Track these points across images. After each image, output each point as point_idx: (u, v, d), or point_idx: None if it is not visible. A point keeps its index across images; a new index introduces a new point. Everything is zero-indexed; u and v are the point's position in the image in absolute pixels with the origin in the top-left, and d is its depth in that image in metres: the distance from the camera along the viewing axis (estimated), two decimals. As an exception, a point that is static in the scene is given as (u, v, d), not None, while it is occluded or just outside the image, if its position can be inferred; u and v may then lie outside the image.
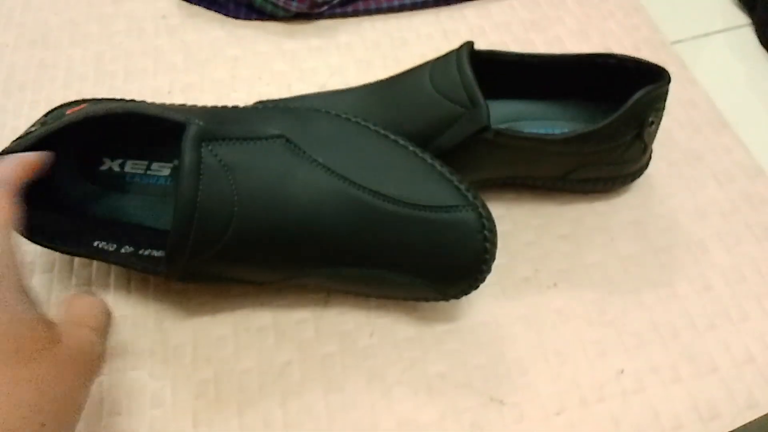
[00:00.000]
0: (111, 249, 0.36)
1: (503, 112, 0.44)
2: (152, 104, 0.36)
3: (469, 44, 0.39)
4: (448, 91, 0.37)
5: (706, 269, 0.42)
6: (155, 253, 0.36)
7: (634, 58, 0.39)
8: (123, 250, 0.36)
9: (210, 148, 0.32)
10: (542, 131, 0.43)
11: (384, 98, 0.40)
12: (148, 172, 0.40)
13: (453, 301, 0.40)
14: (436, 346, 0.39)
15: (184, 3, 0.57)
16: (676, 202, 0.45)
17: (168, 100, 0.44)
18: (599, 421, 0.36)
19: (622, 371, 0.38)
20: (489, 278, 0.41)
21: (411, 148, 0.35)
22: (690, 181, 0.46)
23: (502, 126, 0.40)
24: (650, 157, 0.43)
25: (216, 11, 0.56)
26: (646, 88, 0.37)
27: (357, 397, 0.36)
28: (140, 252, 0.36)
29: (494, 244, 0.34)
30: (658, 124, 0.40)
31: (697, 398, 0.37)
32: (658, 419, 0.36)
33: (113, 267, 0.41)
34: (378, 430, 0.36)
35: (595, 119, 0.41)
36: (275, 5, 0.54)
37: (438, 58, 0.40)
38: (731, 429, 0.36)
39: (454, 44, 0.41)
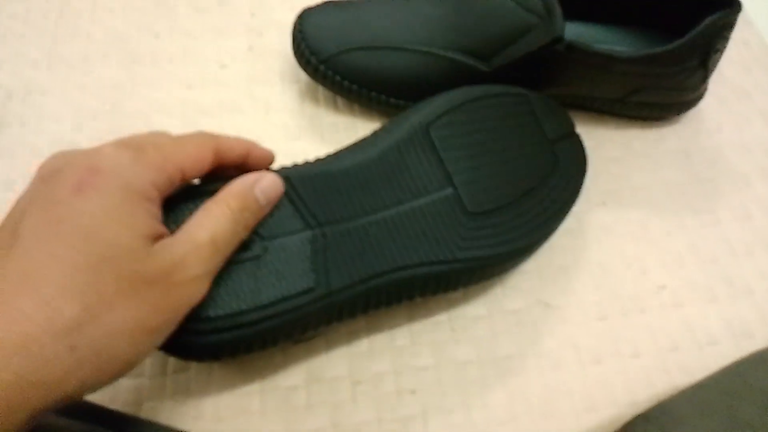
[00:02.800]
0: None
1: (566, 33, 0.44)
2: None
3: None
4: (524, 0, 0.38)
5: (747, 200, 0.43)
6: None
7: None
8: None
9: None
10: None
11: (458, 5, 0.40)
12: None
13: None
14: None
15: None
16: (723, 136, 0.46)
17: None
18: (638, 330, 0.38)
19: (663, 286, 0.40)
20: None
21: None
22: (738, 117, 0.47)
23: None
24: (706, 88, 0.44)
25: None
26: (717, 13, 0.38)
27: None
28: None
29: None
30: (722, 53, 0.41)
31: (731, 318, 0.39)
32: (694, 334, 0.38)
33: None
34: (430, 315, 0.37)
35: (655, 47, 0.41)
36: None
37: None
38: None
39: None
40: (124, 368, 0.24)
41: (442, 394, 0.36)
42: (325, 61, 0.41)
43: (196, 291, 0.27)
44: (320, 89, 0.46)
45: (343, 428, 0.34)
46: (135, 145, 0.27)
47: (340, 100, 0.46)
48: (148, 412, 0.35)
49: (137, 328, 0.24)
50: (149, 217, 0.26)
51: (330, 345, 0.37)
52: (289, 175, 0.32)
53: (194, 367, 0.36)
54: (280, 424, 0.34)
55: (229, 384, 0.36)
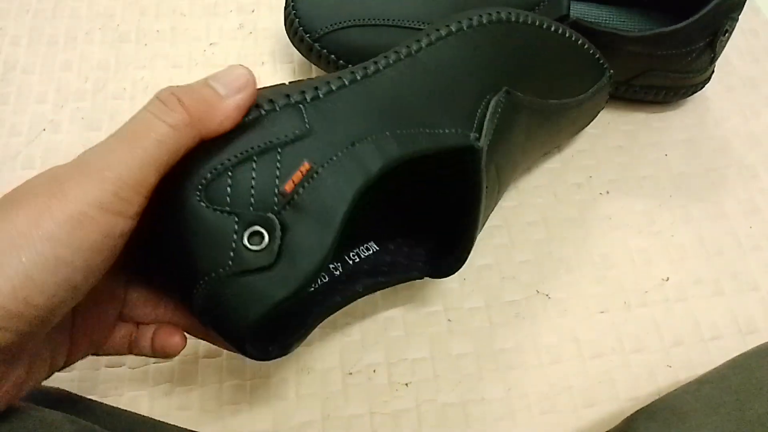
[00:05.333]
0: None
1: (571, 12, 0.42)
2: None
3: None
4: (528, -24, 0.36)
5: (754, 193, 0.42)
6: None
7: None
8: None
9: None
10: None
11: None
12: None
13: (501, 203, 0.39)
14: (483, 240, 0.38)
15: None
16: (730, 125, 0.45)
17: None
18: (641, 324, 0.37)
19: (667, 279, 0.38)
20: (540, 181, 0.41)
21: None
22: (745, 107, 0.46)
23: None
24: (713, 72, 0.43)
25: None
26: (726, -6, 0.36)
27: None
28: None
29: None
30: (730, 35, 0.39)
31: (736, 312, 0.38)
32: (699, 328, 0.37)
33: None
34: (427, 305, 0.36)
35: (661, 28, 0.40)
36: None
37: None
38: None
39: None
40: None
41: (437, 387, 0.34)
42: (319, 39, 0.40)
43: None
44: (314, 69, 0.45)
45: (334, 421, 0.33)
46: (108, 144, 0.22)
47: (334, 82, 0.44)
48: (129, 402, 0.33)
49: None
50: None
51: (321, 335, 0.35)
52: None
53: (177, 357, 0.34)
54: (268, 417, 0.33)
55: (214, 375, 0.34)
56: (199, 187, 0.23)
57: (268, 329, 0.28)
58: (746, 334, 0.37)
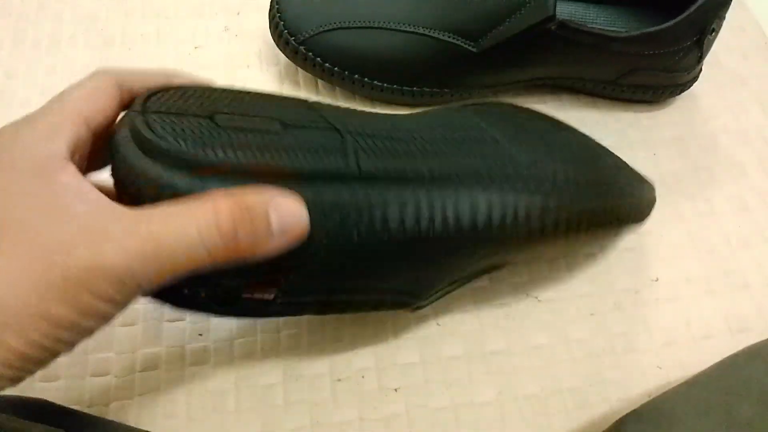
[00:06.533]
0: None
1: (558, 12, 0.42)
2: None
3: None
4: (514, -24, 0.36)
5: (744, 191, 0.42)
6: None
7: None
8: None
9: None
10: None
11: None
12: None
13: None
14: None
15: None
16: (719, 123, 0.45)
17: None
18: (631, 324, 0.37)
19: (657, 279, 0.38)
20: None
21: None
22: (734, 104, 0.46)
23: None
24: (700, 70, 0.43)
25: None
26: (713, -9, 0.36)
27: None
28: None
29: None
30: (717, 33, 0.39)
31: (727, 311, 0.37)
32: (689, 327, 0.37)
33: None
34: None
35: (647, 27, 0.40)
36: None
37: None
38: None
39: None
40: None
41: (428, 391, 0.34)
42: (305, 42, 0.39)
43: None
44: (300, 72, 0.44)
45: (324, 428, 0.33)
46: (22, 120, 0.23)
47: (321, 83, 0.44)
48: (116, 412, 0.33)
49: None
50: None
51: (309, 341, 0.35)
52: None
53: (164, 364, 0.34)
54: (256, 424, 0.33)
55: (201, 382, 0.34)
56: None
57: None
58: (737, 333, 0.37)
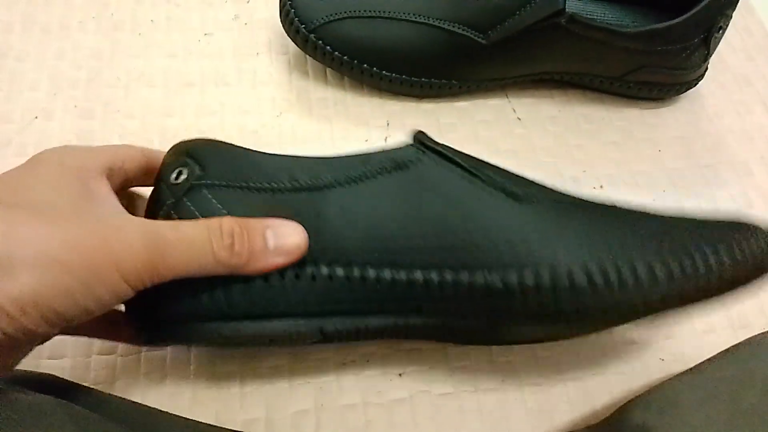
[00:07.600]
0: None
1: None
2: None
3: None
4: (526, -31, 0.36)
5: (748, 189, 0.42)
6: None
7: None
8: None
9: None
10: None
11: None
12: None
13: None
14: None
15: None
16: (723, 122, 0.45)
17: None
18: (634, 317, 0.37)
19: (661, 274, 0.38)
20: (535, 175, 0.41)
21: None
22: (739, 104, 0.46)
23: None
24: (707, 69, 0.43)
25: None
26: (720, -11, 0.36)
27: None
28: None
29: None
30: (724, 31, 0.39)
31: (730, 307, 0.38)
32: (692, 322, 0.37)
33: None
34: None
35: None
36: None
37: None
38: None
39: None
40: None
41: (431, 378, 0.34)
42: (315, 30, 0.40)
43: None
44: (309, 60, 0.44)
45: (328, 411, 0.33)
46: (75, 145, 0.28)
47: (330, 73, 0.44)
48: (121, 391, 0.33)
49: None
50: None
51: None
52: None
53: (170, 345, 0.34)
54: (261, 407, 0.33)
55: (207, 364, 0.34)
56: None
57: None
58: (738, 329, 0.37)
